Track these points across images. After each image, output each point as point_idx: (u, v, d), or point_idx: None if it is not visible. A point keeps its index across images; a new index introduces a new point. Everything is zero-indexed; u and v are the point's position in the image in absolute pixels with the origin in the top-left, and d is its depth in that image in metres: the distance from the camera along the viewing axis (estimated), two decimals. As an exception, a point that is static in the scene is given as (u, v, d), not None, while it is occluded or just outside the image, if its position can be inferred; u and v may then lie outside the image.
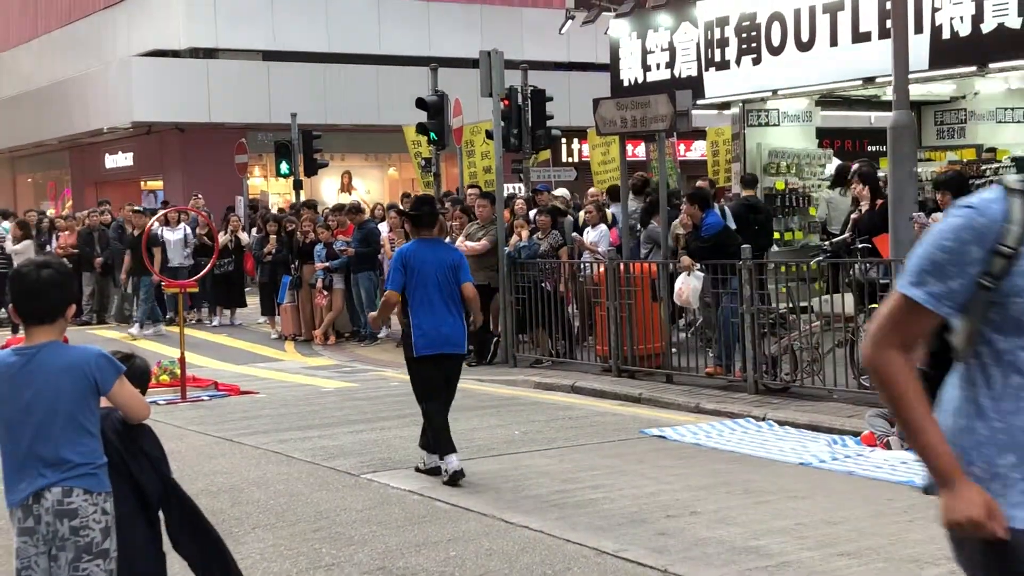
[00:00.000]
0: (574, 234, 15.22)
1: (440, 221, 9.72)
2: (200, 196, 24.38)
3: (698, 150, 31.85)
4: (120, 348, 5.08)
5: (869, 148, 21.90)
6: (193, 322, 20.85)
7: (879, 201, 11.58)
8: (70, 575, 4.40)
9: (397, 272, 8.75)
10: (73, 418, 4.39)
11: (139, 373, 4.95)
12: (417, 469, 8.83)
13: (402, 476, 8.79)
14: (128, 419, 4.59)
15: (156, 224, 20.12)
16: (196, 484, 8.71)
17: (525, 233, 14.37)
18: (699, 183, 15.54)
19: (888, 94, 11.22)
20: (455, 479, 8.35)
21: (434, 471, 8.63)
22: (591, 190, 18.26)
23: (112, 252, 21.67)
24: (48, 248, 22.03)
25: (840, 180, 14.57)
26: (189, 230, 21.33)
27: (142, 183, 36.05)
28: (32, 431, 4.37)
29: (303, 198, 22.92)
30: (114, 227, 22.03)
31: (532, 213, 15.68)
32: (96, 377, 4.42)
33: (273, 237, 19.11)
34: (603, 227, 15.08)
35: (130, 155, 35.59)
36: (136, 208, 21.57)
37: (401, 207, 17.25)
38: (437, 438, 8.62)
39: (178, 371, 13.14)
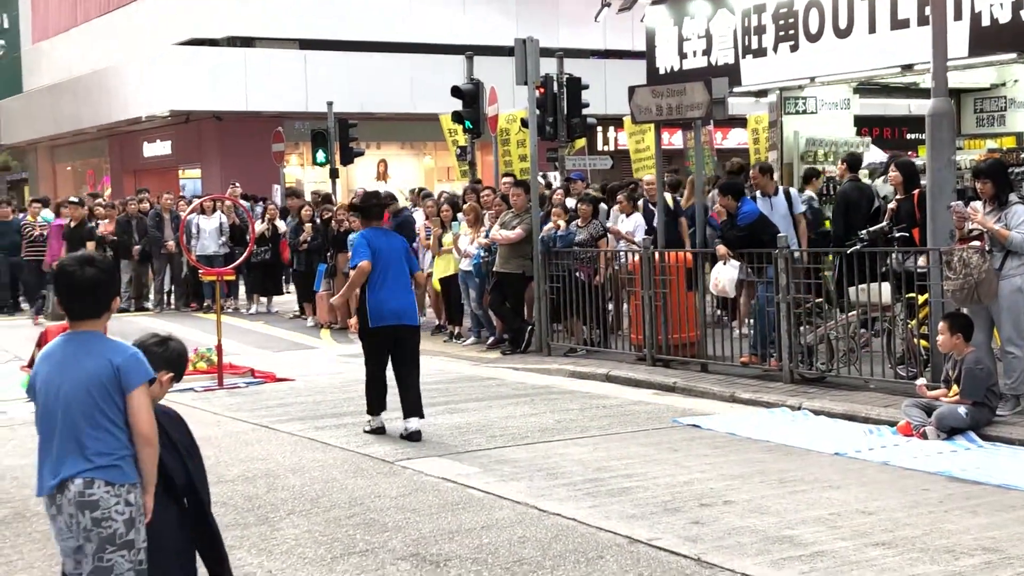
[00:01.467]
0: (608, 224, 15.19)
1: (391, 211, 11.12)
2: (238, 185, 24.52)
3: (733, 138, 31.71)
4: (158, 332, 5.10)
5: (908, 136, 21.72)
6: (230, 310, 21.00)
7: (916, 191, 11.47)
8: (95, 565, 4.43)
9: (365, 248, 9.88)
10: (99, 408, 4.42)
11: (175, 356, 4.97)
12: (364, 431, 10.02)
13: (436, 463, 8.82)
14: (133, 428, 4.49)
15: (192, 214, 20.32)
16: (233, 470, 8.79)
17: (562, 222, 14.35)
18: (733, 160, 15.40)
19: (927, 81, 11.10)
20: (413, 437, 9.67)
21: (379, 431, 9.96)
22: (646, 177, 17.43)
23: (150, 240, 21.84)
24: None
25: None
26: (224, 218, 21.48)
27: (180, 171, 36.30)
28: (61, 417, 4.42)
29: (339, 187, 23.02)
30: (152, 215, 22.20)
31: (569, 201, 15.64)
32: (123, 374, 4.44)
33: (308, 225, 19.18)
34: (637, 216, 15.05)
35: (168, 143, 35.84)
36: (72, 200, 22.10)
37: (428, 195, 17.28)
38: (381, 399, 10.05)
39: (215, 358, 13.24)
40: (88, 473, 4.39)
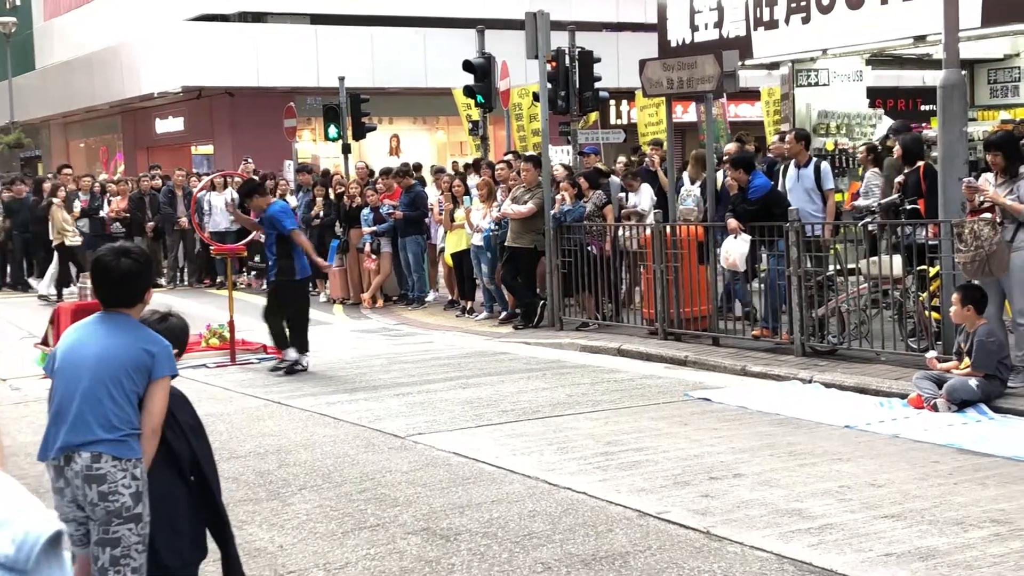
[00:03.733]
0: (620, 195, 15.17)
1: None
2: (250, 161, 24.53)
3: (746, 112, 31.56)
4: (157, 308, 5.14)
5: (922, 107, 21.62)
6: (243, 286, 21.06)
7: (921, 164, 11.43)
8: (100, 536, 4.52)
9: (291, 217, 12.48)
10: (121, 385, 4.52)
11: (177, 332, 5.00)
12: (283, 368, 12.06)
13: (447, 438, 8.86)
14: (145, 413, 4.60)
15: (203, 191, 20.35)
16: (245, 445, 8.84)
17: (569, 196, 14.33)
18: (732, 145, 15.31)
19: (939, 52, 11.05)
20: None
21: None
22: (730, 146, 16.87)
23: (163, 216, 21.90)
24: (101, 212, 22.30)
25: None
26: (236, 195, 21.48)
27: (192, 147, 36.31)
28: (85, 384, 4.51)
29: (352, 162, 22.99)
30: (164, 192, 22.25)
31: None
32: (156, 359, 4.56)
33: (320, 200, 19.19)
34: (646, 187, 15.00)
35: (180, 120, 35.82)
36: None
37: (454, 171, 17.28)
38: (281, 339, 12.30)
39: (227, 334, 13.29)
40: (96, 447, 4.48)
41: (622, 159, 15.74)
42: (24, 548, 1.84)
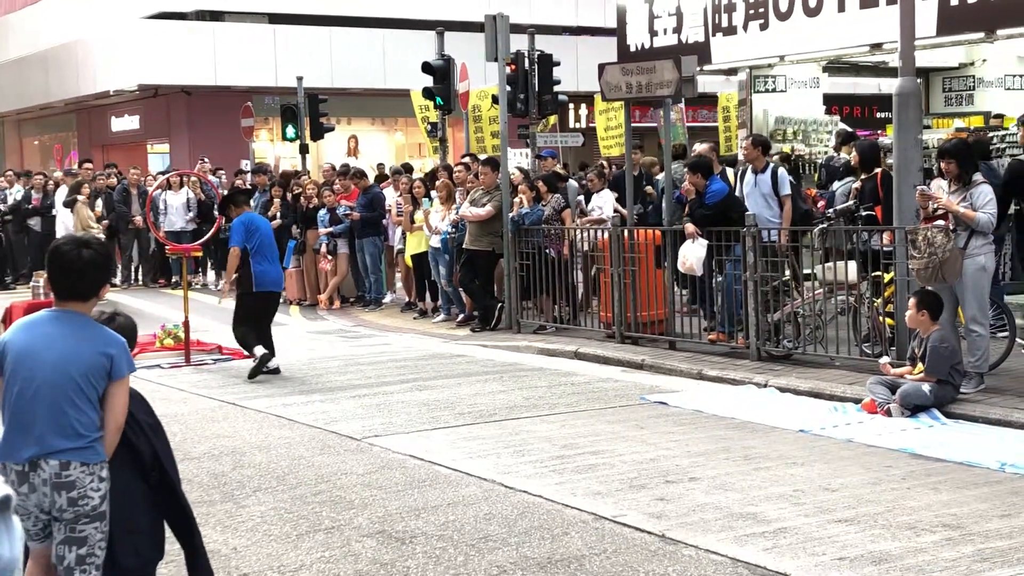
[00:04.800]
0: (580, 198, 15.19)
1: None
2: (207, 160, 24.37)
3: (704, 117, 31.70)
4: (104, 308, 5.09)
5: (878, 115, 21.83)
6: (198, 286, 20.91)
7: (879, 170, 11.54)
8: (67, 535, 4.50)
9: (240, 234, 12.03)
10: (82, 391, 4.49)
11: (128, 332, 4.94)
12: (255, 375, 11.75)
13: (403, 441, 8.83)
14: (107, 414, 4.57)
15: (159, 190, 20.19)
16: (199, 447, 8.78)
17: (527, 200, 14.34)
18: (699, 147, 15.38)
19: (895, 60, 11.14)
20: (273, 370, 11.94)
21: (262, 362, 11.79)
22: (702, 146, 16.83)
23: (117, 215, 21.69)
24: (54, 210, 22.05)
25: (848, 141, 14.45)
26: (191, 194, 21.34)
27: (148, 146, 36.00)
28: (44, 392, 4.46)
29: (309, 162, 22.89)
30: (119, 190, 22.03)
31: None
32: (114, 361, 4.53)
33: (277, 201, 19.09)
34: (607, 192, 15.05)
35: (136, 118, 35.50)
36: None
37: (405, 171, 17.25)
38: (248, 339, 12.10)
39: (182, 335, 13.19)
40: (64, 455, 4.46)
41: (591, 177, 15.67)
42: None
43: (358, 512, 6.95)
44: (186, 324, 13.11)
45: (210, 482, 7.76)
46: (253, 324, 12.17)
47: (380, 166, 19.18)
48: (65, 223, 19.63)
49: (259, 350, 11.93)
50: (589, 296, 14.62)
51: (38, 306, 10.78)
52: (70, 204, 20.09)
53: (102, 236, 20.33)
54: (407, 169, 19.57)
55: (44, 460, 4.45)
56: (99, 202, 20.92)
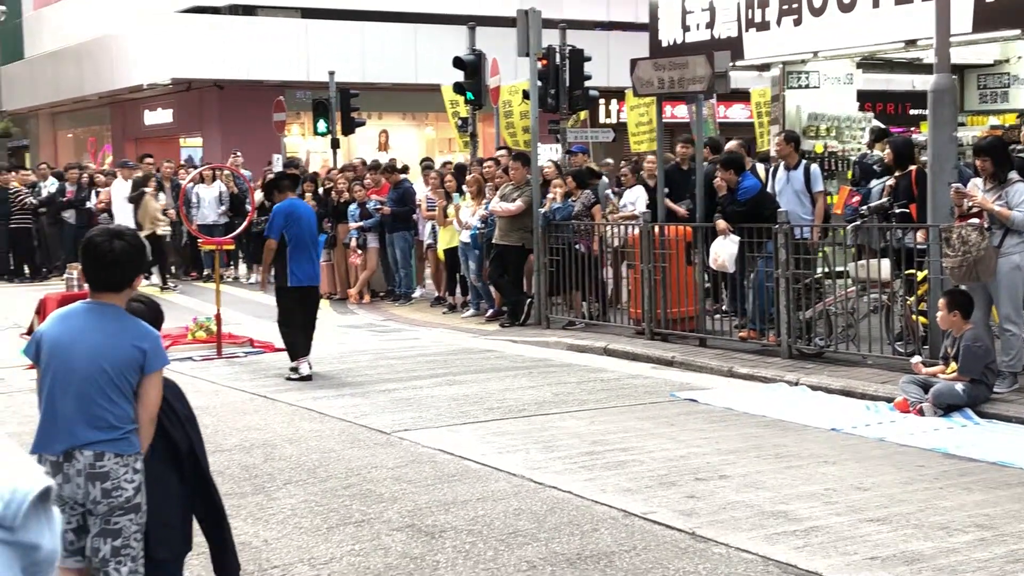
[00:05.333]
0: (608, 192, 15.13)
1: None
2: (240, 154, 24.46)
3: (735, 114, 31.57)
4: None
5: (911, 112, 21.65)
6: (230, 279, 21.00)
7: (912, 168, 11.45)
8: (102, 527, 4.52)
9: (279, 223, 11.43)
10: (115, 384, 4.50)
11: (149, 313, 4.92)
12: (288, 378, 11.34)
13: (433, 435, 8.84)
14: (141, 407, 4.57)
15: (191, 183, 20.27)
16: (230, 440, 8.82)
17: (560, 193, 14.32)
18: (731, 144, 15.28)
19: (930, 57, 11.07)
20: (305, 377, 11.29)
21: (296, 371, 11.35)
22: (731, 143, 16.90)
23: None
24: (88, 203, 22.21)
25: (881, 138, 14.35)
26: (224, 187, 21.43)
27: (181, 140, 36.19)
28: (77, 385, 4.48)
29: (340, 156, 22.95)
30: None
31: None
32: (148, 355, 4.53)
33: (308, 196, 19.13)
34: (639, 188, 15.01)
35: (170, 112, 35.70)
36: None
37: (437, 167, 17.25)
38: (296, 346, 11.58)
39: (214, 328, 13.24)
40: (99, 446, 4.48)
41: (624, 172, 15.52)
42: (12, 505, 1.81)
43: (388, 506, 6.96)
44: (218, 317, 13.17)
45: (241, 474, 7.80)
46: (299, 323, 11.58)
47: (393, 161, 19.10)
48: (125, 218, 19.36)
49: (304, 369, 11.39)
50: (619, 292, 14.58)
51: (72, 298, 10.85)
52: (136, 199, 20.05)
53: (169, 229, 20.45)
54: (429, 165, 19.56)
55: (79, 451, 4.47)
56: (162, 195, 20.85)
